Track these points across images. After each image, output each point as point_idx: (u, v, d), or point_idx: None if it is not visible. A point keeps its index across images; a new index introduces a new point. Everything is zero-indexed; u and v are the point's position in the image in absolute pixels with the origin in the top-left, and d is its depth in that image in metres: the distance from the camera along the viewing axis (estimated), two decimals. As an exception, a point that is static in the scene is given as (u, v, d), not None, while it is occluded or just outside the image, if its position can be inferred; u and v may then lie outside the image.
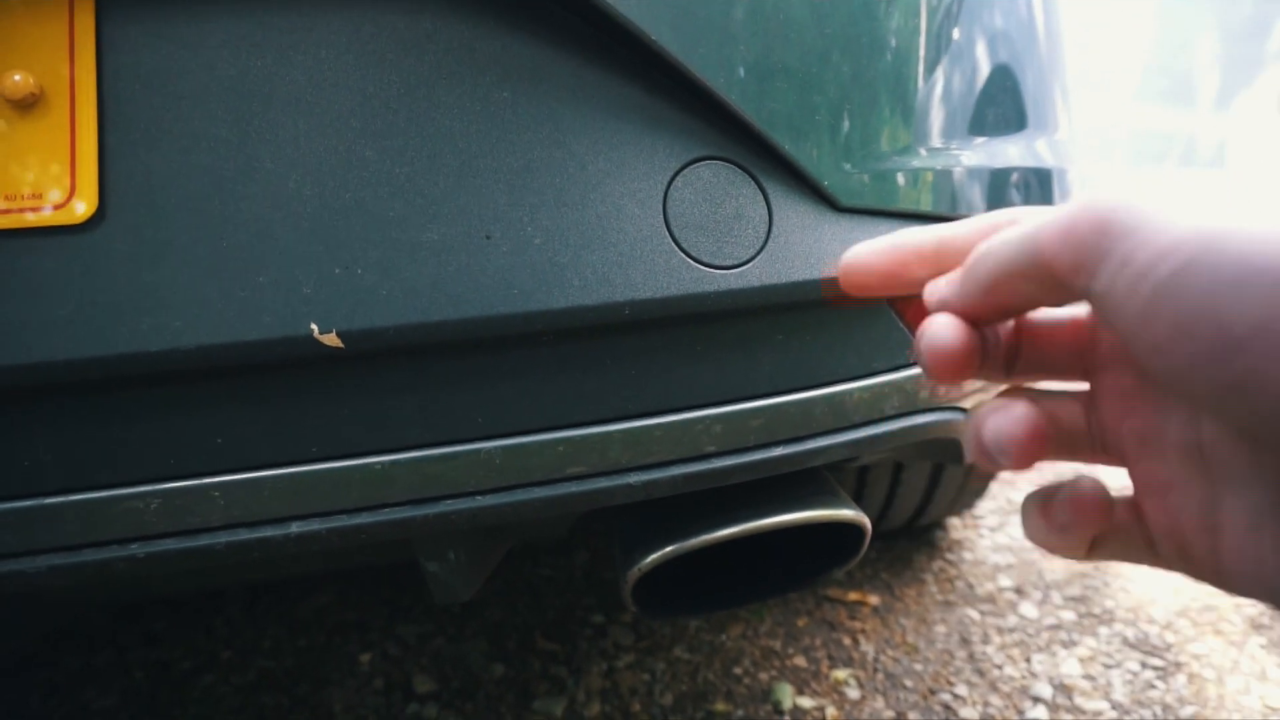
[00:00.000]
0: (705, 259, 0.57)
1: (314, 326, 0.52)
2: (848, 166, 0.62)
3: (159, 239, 0.51)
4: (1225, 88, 2.84)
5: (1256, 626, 1.24)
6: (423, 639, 1.31)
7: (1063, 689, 1.13)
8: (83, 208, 0.51)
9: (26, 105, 0.51)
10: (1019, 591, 1.38)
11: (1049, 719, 1.07)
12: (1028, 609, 1.33)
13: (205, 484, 0.54)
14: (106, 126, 0.52)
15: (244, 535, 0.56)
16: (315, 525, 0.56)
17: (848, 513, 0.70)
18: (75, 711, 1.17)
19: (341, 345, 0.52)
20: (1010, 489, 1.77)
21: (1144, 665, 1.17)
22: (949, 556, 1.51)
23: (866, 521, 0.71)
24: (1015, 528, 1.60)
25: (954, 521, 1.64)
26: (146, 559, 0.55)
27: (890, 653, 1.24)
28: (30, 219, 0.50)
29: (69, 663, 1.28)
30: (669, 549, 0.67)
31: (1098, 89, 3.37)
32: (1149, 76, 3.14)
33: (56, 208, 0.51)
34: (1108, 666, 1.17)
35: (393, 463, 0.56)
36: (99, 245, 0.51)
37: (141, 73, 0.52)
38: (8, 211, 0.50)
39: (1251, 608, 1.29)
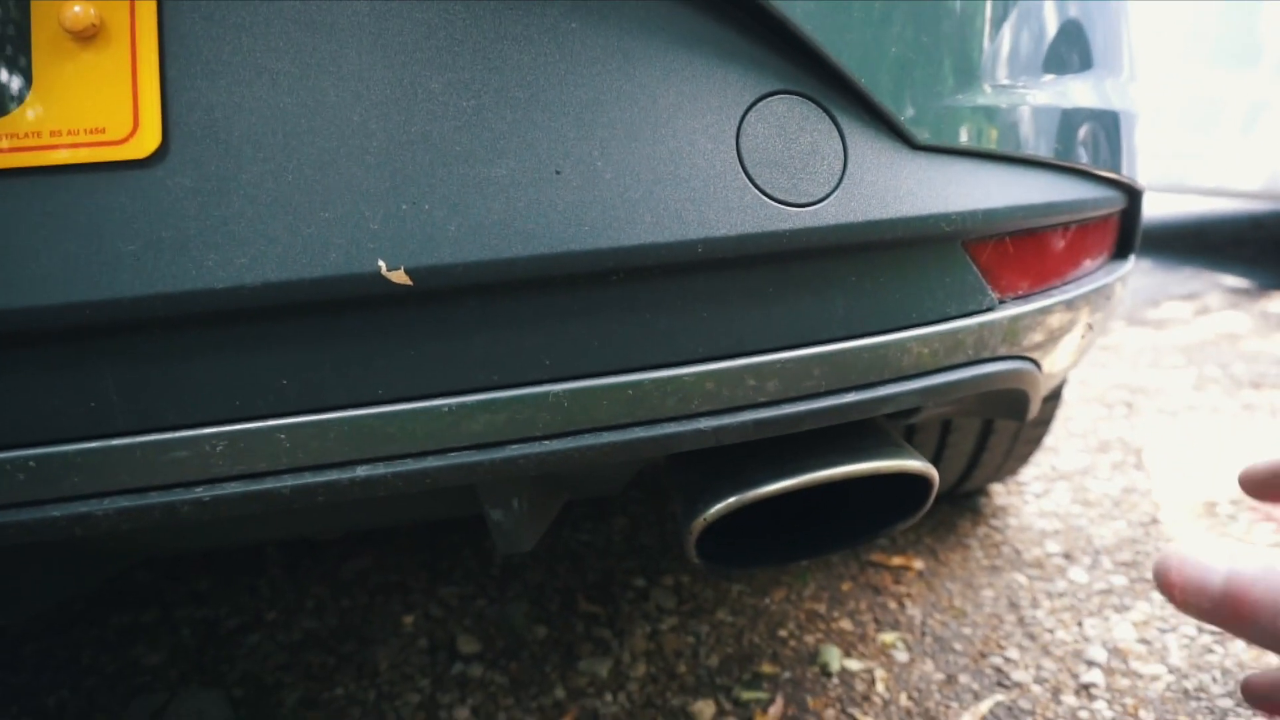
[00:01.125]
0: (780, 196, 0.55)
1: (382, 263, 0.51)
2: (923, 103, 0.60)
3: (224, 174, 0.50)
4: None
5: (1315, 592, 1.21)
6: (465, 600, 1.32)
7: (1117, 653, 1.11)
8: (147, 142, 0.50)
9: (87, 37, 0.50)
10: (1067, 556, 1.36)
11: (1105, 683, 1.05)
12: (1077, 574, 1.31)
13: (271, 426, 0.54)
14: (168, 59, 0.50)
15: (309, 479, 0.55)
16: (381, 469, 0.55)
17: (915, 464, 0.68)
18: (126, 667, 1.18)
19: (410, 282, 0.51)
20: (1054, 455, 1.74)
21: (1201, 629, 1.14)
22: (994, 522, 1.49)
23: (934, 473, 0.70)
24: (1061, 493, 1.58)
25: (997, 488, 1.61)
26: (212, 502, 0.54)
27: (938, 616, 1.22)
28: (94, 154, 0.49)
29: (117, 620, 1.30)
30: (733, 499, 0.65)
31: (1168, 53, 3.26)
32: (1218, 41, 3.03)
33: (120, 142, 0.50)
34: (1163, 631, 1.15)
35: (459, 405, 0.55)
36: (163, 181, 0.50)
37: (202, 3, 0.50)
38: (72, 146, 0.49)
39: (1310, 573, 1.26)
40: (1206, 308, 2.96)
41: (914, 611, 1.24)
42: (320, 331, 0.53)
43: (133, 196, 0.50)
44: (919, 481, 0.72)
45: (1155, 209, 5.21)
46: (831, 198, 0.56)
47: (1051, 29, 0.71)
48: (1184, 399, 2.04)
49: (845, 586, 1.31)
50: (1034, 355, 0.72)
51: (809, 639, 1.18)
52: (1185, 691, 1.03)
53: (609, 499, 1.64)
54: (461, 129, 0.52)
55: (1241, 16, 2.97)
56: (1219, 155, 3.09)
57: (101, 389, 0.52)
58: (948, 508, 1.54)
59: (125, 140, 0.50)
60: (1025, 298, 0.70)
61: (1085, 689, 1.04)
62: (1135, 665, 1.08)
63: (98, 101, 0.50)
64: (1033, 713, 1.01)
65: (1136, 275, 3.49)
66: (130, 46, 0.50)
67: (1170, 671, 1.06)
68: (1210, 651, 1.10)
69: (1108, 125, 0.77)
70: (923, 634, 1.18)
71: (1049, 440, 1.82)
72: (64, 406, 0.52)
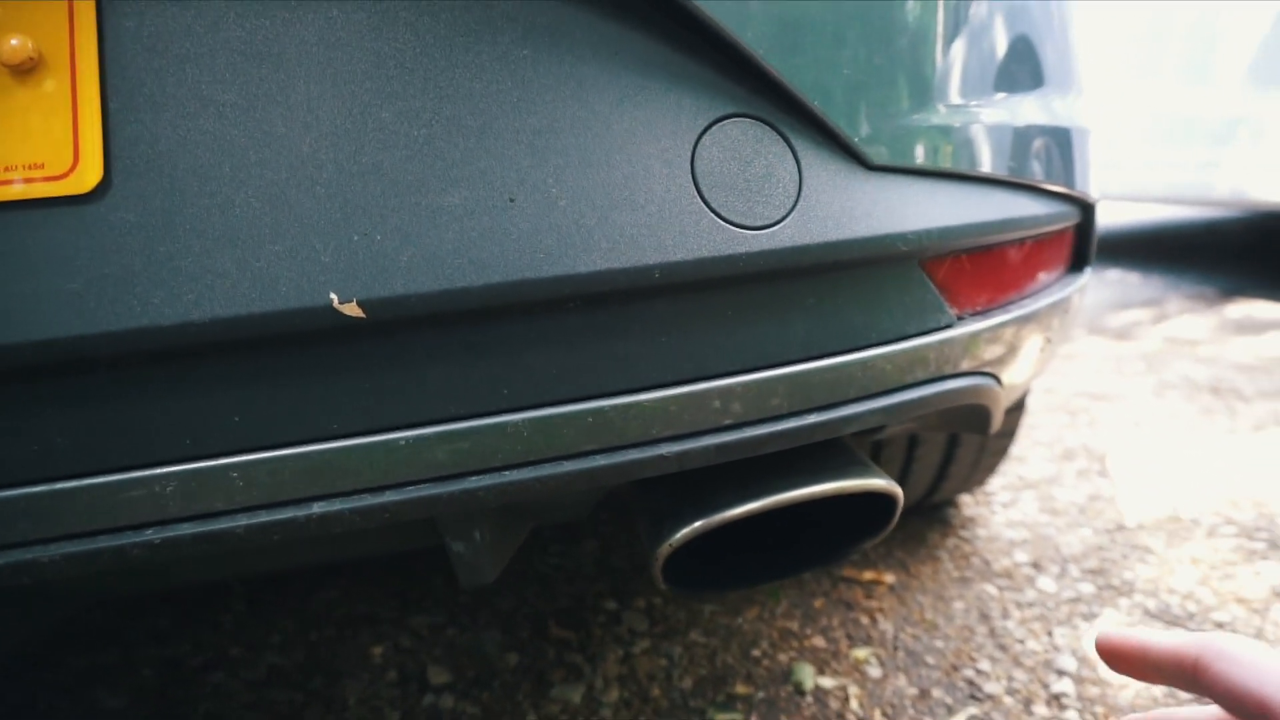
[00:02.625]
0: (736, 219, 0.55)
1: (334, 296, 0.50)
2: (877, 124, 0.60)
3: (169, 208, 0.49)
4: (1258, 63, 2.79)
5: (1277, 593, 1.23)
6: (435, 630, 1.29)
7: (1086, 661, 1.12)
8: (88, 177, 0.49)
9: (25, 71, 0.49)
10: (1036, 566, 1.37)
11: (1075, 691, 1.06)
12: (1046, 583, 1.32)
13: (223, 464, 0.52)
14: (109, 92, 0.49)
15: (264, 517, 0.54)
16: (338, 505, 0.54)
17: (879, 482, 0.68)
18: (85, 711, 1.14)
19: (363, 315, 0.50)
20: (1021, 465, 1.76)
21: (1167, 636, 1.15)
22: (963, 533, 1.49)
23: (898, 490, 0.70)
24: (1028, 503, 1.59)
25: (966, 499, 1.62)
26: (163, 544, 0.53)
27: (910, 630, 1.22)
28: (33, 190, 0.48)
29: (75, 662, 1.26)
30: (699, 524, 0.65)
31: (1134, 65, 3.34)
32: (1183, 52, 3.10)
33: (60, 177, 0.48)
34: (1130, 638, 1.16)
35: (417, 438, 0.54)
36: (106, 216, 0.49)
37: (144, 35, 0.49)
38: (9, 183, 0.48)
39: (1273, 575, 1.28)
40: (1166, 314, 3.02)
41: (886, 626, 1.24)
42: (272, 367, 0.52)
43: (74, 233, 0.49)
44: (884, 499, 0.72)
45: (1115, 217, 5.32)
46: (787, 220, 0.57)
47: (1002, 49, 0.72)
48: (1145, 405, 2.07)
49: (818, 603, 1.31)
50: (994, 370, 0.73)
51: (782, 657, 1.18)
52: (1154, 698, 1.03)
53: (578, 523, 1.62)
54: (413, 158, 0.51)
55: (1205, 28, 3.05)
56: (1186, 165, 3.16)
57: (44, 431, 0.50)
58: (917, 520, 1.55)
59: (65, 175, 0.49)
60: (983, 314, 0.70)
61: (1056, 699, 1.05)
62: (1105, 673, 1.09)
63: (36, 136, 0.49)
64: (1006, 725, 1.01)
65: (1098, 284, 3.56)
66: (70, 79, 0.49)
67: (1139, 678, 1.07)
68: (1177, 657, 1.11)
69: (1060, 141, 0.78)
70: (895, 648, 1.18)
71: (1016, 449, 1.84)
72: (5, 449, 0.50)
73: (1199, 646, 0.34)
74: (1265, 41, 2.81)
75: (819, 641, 1.21)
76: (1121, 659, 0.38)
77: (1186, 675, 0.34)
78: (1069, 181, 0.79)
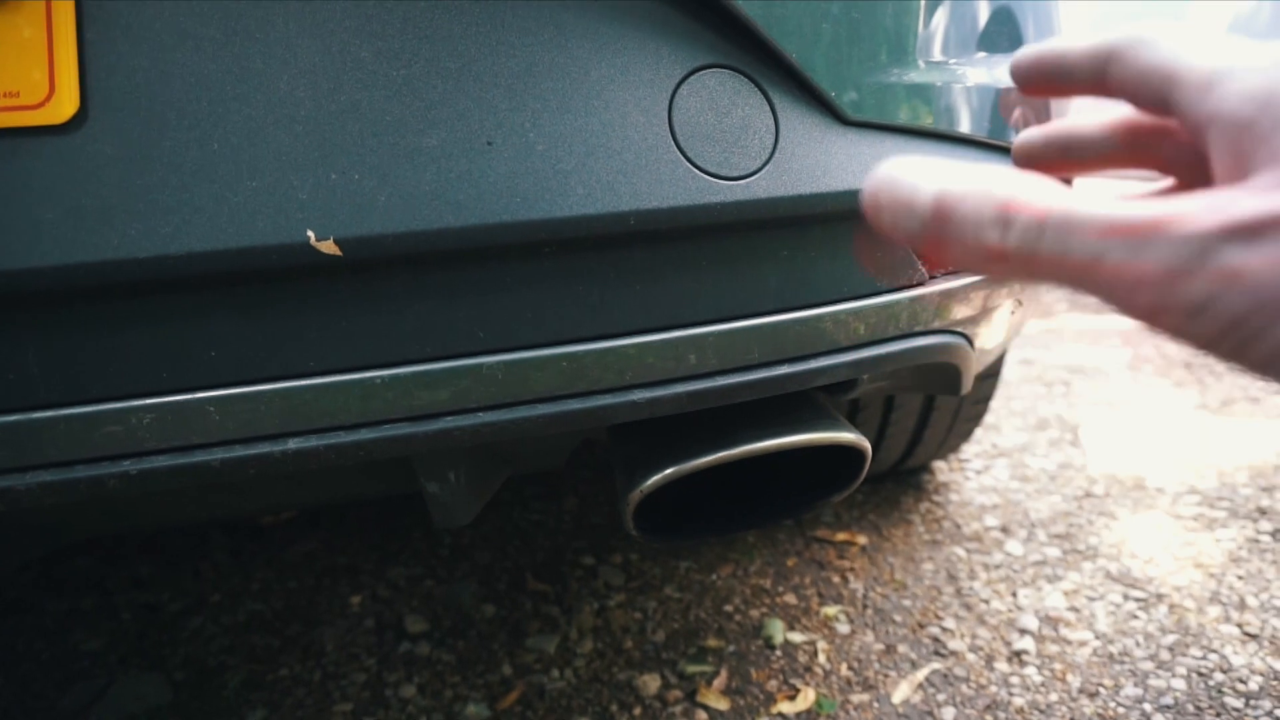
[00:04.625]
0: (711, 169, 0.56)
1: (311, 233, 0.50)
2: (855, 78, 0.61)
3: (146, 141, 0.49)
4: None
5: (1234, 559, 1.26)
6: (413, 581, 1.31)
7: (1048, 621, 1.15)
8: (64, 108, 0.49)
9: (0, -2, 0.48)
10: (1005, 530, 1.40)
11: (1035, 649, 1.09)
12: (1013, 546, 1.35)
13: (200, 398, 0.53)
14: (86, 21, 0.49)
15: (240, 452, 0.54)
16: (313, 442, 0.55)
17: (849, 435, 0.70)
18: (64, 654, 1.16)
19: (339, 253, 0.51)
20: (995, 433, 1.79)
21: (1126, 597, 1.19)
22: (935, 498, 1.52)
23: (867, 445, 0.71)
24: (1000, 470, 1.62)
25: (940, 465, 1.65)
26: (140, 476, 0.53)
27: (879, 590, 1.25)
28: (8, 118, 0.48)
29: (54, 607, 1.27)
30: (670, 470, 0.66)
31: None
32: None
33: (35, 107, 0.48)
34: (1091, 599, 1.19)
35: (392, 377, 0.55)
36: (83, 147, 0.49)
37: (122, -36, 0.49)
38: (-16, 110, 0.48)
39: (1231, 541, 1.31)
40: (1144, 291, 3.04)
41: (856, 585, 1.26)
42: (248, 302, 0.52)
43: (50, 163, 0.49)
44: (853, 454, 0.74)
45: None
46: (763, 171, 0.57)
47: (984, 9, 0.72)
48: (1119, 378, 2.10)
49: (790, 562, 1.33)
50: (965, 330, 0.74)
51: (754, 613, 1.20)
52: (1110, 655, 1.07)
53: (559, 478, 1.64)
54: (392, 98, 0.52)
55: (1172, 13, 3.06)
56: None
57: (21, 360, 0.51)
58: (891, 484, 1.57)
59: (41, 105, 0.48)
60: (955, 272, 0.71)
61: (1017, 655, 1.08)
62: (1065, 632, 1.12)
63: (11, 64, 0.48)
64: (967, 679, 1.04)
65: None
66: (45, 7, 0.49)
67: (1097, 637, 1.11)
68: (1134, 618, 1.14)
69: (1039, 105, 0.79)
70: (864, 606, 1.21)
71: (991, 419, 1.87)
72: (-18, 379, 0.50)
73: (1117, 38, 0.29)
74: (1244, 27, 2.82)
75: (790, 599, 1.24)
76: (1037, 72, 0.34)
77: (1099, 72, 0.30)
78: (1046, 146, 0.80)
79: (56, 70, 0.48)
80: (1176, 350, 2.30)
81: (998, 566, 1.30)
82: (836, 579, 1.28)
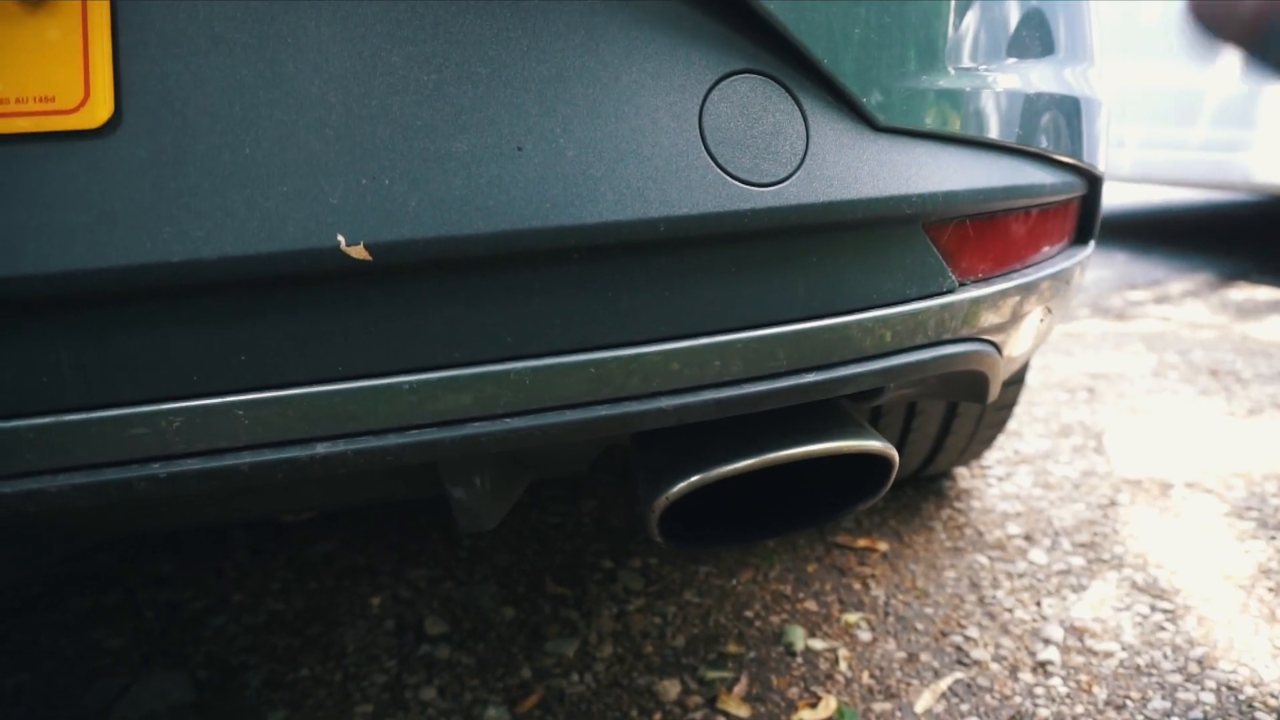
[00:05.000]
0: (742, 176, 0.56)
1: (341, 238, 0.50)
2: (886, 84, 0.60)
3: (179, 145, 0.49)
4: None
5: (1264, 571, 1.24)
6: (433, 583, 1.31)
7: (1073, 631, 1.13)
8: (99, 112, 0.49)
9: (37, 2, 0.49)
10: (1028, 538, 1.38)
11: (1060, 660, 1.08)
12: (1037, 555, 1.33)
13: (229, 402, 0.53)
14: (121, 27, 0.49)
15: (268, 456, 0.54)
16: (341, 447, 0.55)
17: (875, 444, 0.69)
18: (87, 650, 1.17)
19: (369, 258, 0.51)
20: (1017, 440, 1.77)
21: (1153, 608, 1.17)
22: (957, 505, 1.51)
23: (894, 453, 0.71)
24: (1023, 477, 1.60)
25: (961, 471, 1.64)
26: (169, 479, 0.54)
27: (901, 597, 1.24)
28: (44, 123, 0.48)
29: (78, 603, 1.28)
30: (695, 478, 0.66)
31: (1138, 44, 3.31)
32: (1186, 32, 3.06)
33: (71, 111, 0.49)
34: (1118, 610, 1.18)
35: (420, 383, 0.55)
36: (117, 151, 0.49)
37: (157, -30, 0.49)
38: (21, 115, 0.48)
39: (1260, 553, 1.29)
40: (1168, 296, 3.01)
41: (878, 592, 1.25)
42: (278, 307, 0.52)
43: (85, 167, 0.49)
44: (879, 462, 0.73)
45: (1121, 198, 5.29)
46: (793, 178, 0.57)
47: (1015, 14, 0.72)
48: (1143, 385, 2.08)
49: (811, 568, 1.32)
50: (993, 338, 0.74)
51: (774, 619, 1.20)
52: (1137, 668, 1.05)
53: (578, 481, 1.64)
54: (422, 103, 0.52)
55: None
56: (1189, 146, 3.14)
57: (54, 363, 0.51)
58: (912, 491, 1.56)
59: (76, 110, 0.49)
60: (985, 280, 0.71)
61: (1042, 666, 1.07)
62: (1090, 643, 1.11)
63: (47, 69, 0.49)
64: (990, 689, 1.03)
65: (1102, 264, 3.55)
66: (82, 12, 0.49)
67: (1124, 649, 1.09)
68: (1162, 629, 1.13)
69: (1069, 111, 0.78)
70: (886, 614, 1.20)
71: (1013, 425, 1.85)
72: (15, 380, 0.51)
73: None
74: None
75: (811, 605, 1.23)
76: None
77: None
78: (1076, 152, 0.79)
79: (91, 75, 0.49)
80: (1202, 357, 2.27)
81: (1021, 575, 1.28)
82: (858, 586, 1.27)
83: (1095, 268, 3.50)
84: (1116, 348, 2.40)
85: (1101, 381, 2.12)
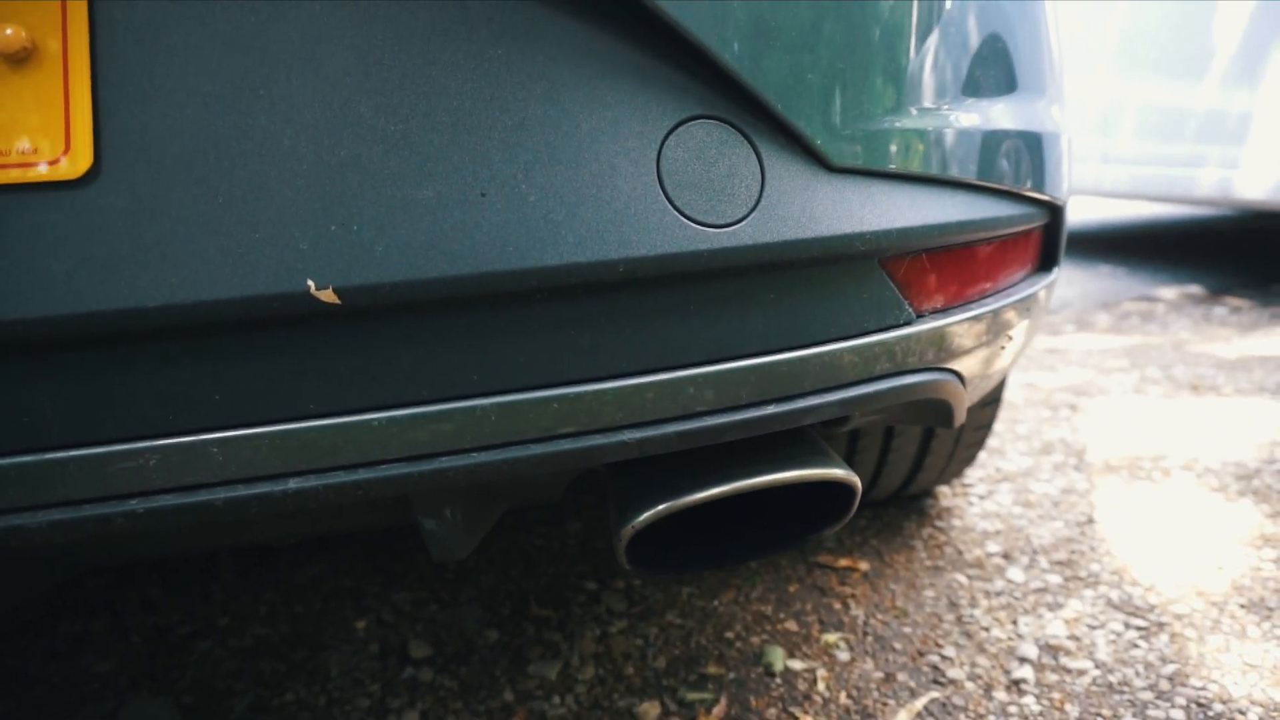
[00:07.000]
0: (699, 217, 0.58)
1: (311, 283, 0.52)
2: (840, 127, 0.63)
3: (155, 195, 0.52)
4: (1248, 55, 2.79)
5: (1237, 588, 1.26)
6: (417, 605, 1.33)
7: (1048, 649, 1.15)
8: (79, 163, 0.51)
9: (18, 60, 0.51)
10: (1006, 557, 1.40)
11: (1035, 678, 1.09)
12: (1015, 573, 1.35)
13: (204, 440, 0.55)
14: (100, 82, 0.52)
15: (242, 491, 0.56)
16: (313, 482, 0.57)
17: (838, 471, 0.71)
18: (75, 676, 1.18)
19: (338, 301, 0.53)
20: (999, 457, 1.79)
21: (1127, 626, 1.19)
22: (938, 523, 1.53)
23: (857, 481, 0.72)
24: (1004, 495, 1.62)
25: (944, 490, 1.66)
26: (146, 514, 0.56)
27: (880, 616, 1.25)
28: (26, 174, 0.50)
29: (66, 629, 1.29)
30: (662, 506, 0.68)
31: (1123, 60, 3.35)
32: (1173, 47, 3.10)
33: (51, 163, 0.51)
34: (1092, 627, 1.19)
35: (389, 419, 0.57)
36: (95, 201, 0.51)
37: (134, 26, 0.52)
38: (3, 166, 0.50)
39: (1233, 570, 1.31)
40: (1153, 311, 3.04)
41: (857, 612, 1.27)
42: (251, 348, 0.54)
43: (65, 216, 0.51)
44: (844, 488, 0.75)
45: (1106, 213, 5.34)
46: (749, 219, 0.59)
47: (970, 54, 0.74)
48: (1125, 401, 2.10)
49: (792, 588, 1.34)
50: (954, 365, 0.76)
51: (754, 640, 1.21)
52: (1110, 685, 1.07)
53: (562, 503, 1.65)
54: (390, 152, 0.54)
55: (1196, 23, 3.06)
56: (1174, 162, 3.18)
57: (36, 404, 0.53)
58: (894, 511, 1.58)
59: (57, 161, 0.51)
60: (943, 311, 0.73)
61: (1016, 685, 1.08)
62: (1064, 661, 1.12)
63: (30, 123, 0.51)
64: (965, 708, 1.05)
65: (1087, 279, 3.58)
66: (62, 69, 0.51)
67: (1097, 666, 1.11)
68: (1135, 646, 1.14)
69: (1028, 145, 0.81)
70: (865, 634, 1.22)
71: (995, 443, 1.87)
72: (-3, 421, 0.53)
73: None
74: (1249, 37, 2.82)
75: (791, 625, 1.24)
76: None
77: None
78: (1037, 185, 0.81)
79: (72, 128, 0.51)
80: (1185, 372, 2.29)
81: (999, 593, 1.30)
82: (838, 605, 1.29)
83: (1080, 282, 3.53)
84: (1100, 364, 2.43)
85: (1084, 398, 2.14)
